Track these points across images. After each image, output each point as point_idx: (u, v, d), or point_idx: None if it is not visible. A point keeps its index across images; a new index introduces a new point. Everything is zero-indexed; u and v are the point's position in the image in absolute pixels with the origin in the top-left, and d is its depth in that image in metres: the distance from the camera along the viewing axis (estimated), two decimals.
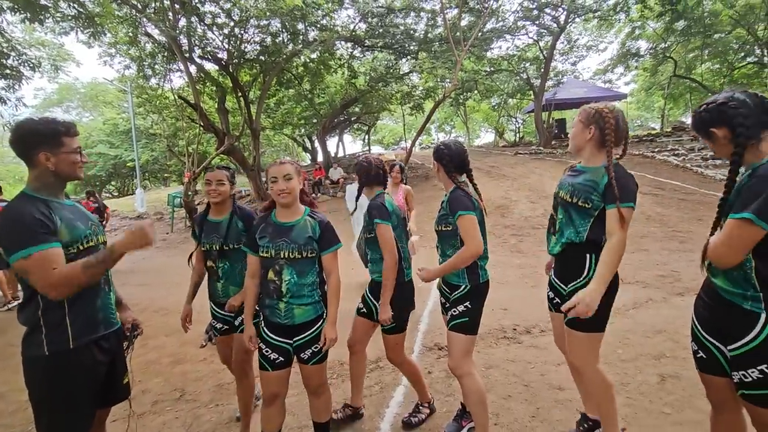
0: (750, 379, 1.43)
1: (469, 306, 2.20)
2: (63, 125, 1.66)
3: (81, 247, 1.65)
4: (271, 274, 2.04)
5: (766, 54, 18.87)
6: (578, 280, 2.02)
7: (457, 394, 2.90)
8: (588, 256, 1.99)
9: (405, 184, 4.88)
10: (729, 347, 1.48)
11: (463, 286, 2.21)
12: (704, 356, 1.60)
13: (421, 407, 2.63)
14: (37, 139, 1.60)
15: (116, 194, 32.13)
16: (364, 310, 2.59)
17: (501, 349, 3.52)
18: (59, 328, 1.58)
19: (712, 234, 1.55)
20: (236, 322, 2.48)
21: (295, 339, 2.07)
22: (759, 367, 1.41)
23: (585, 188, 1.98)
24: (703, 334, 1.58)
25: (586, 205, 1.97)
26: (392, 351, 2.55)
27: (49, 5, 8.92)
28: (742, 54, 21.17)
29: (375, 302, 2.47)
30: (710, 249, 1.47)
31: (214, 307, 2.55)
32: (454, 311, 2.22)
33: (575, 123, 2.08)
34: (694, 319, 1.64)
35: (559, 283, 2.15)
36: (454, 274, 2.23)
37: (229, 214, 2.48)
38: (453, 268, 2.19)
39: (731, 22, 18.59)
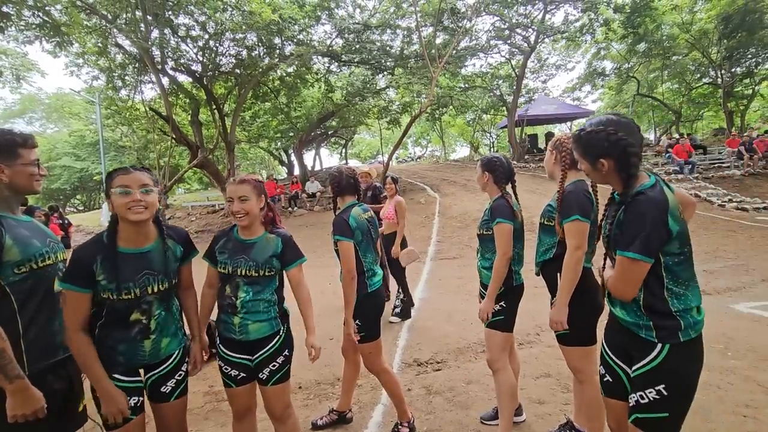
0: (647, 399, 1.43)
1: (504, 305, 2.36)
2: (20, 136, 1.60)
3: (35, 266, 1.55)
4: (228, 290, 2.00)
5: (719, 75, 20.12)
6: (555, 297, 2.15)
7: (437, 411, 2.84)
8: (558, 274, 2.11)
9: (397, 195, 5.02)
10: (633, 368, 1.50)
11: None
12: (610, 379, 1.61)
13: (400, 426, 2.56)
14: None
15: (82, 208, 30.82)
16: None
17: (480, 364, 3.49)
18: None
19: (604, 265, 1.61)
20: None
21: (254, 356, 2.00)
22: (657, 388, 1.42)
23: (549, 208, 2.21)
24: (611, 356, 1.60)
25: (550, 224, 2.18)
26: (367, 360, 2.56)
27: (12, 13, 8.59)
28: (699, 75, 22.59)
29: None
30: (609, 285, 1.51)
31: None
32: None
33: (546, 151, 2.32)
34: (604, 343, 1.66)
35: (551, 299, 2.25)
36: (489, 277, 2.36)
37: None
38: (500, 280, 2.30)
39: (688, 46, 19.84)
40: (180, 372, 1.83)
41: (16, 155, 1.57)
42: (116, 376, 1.67)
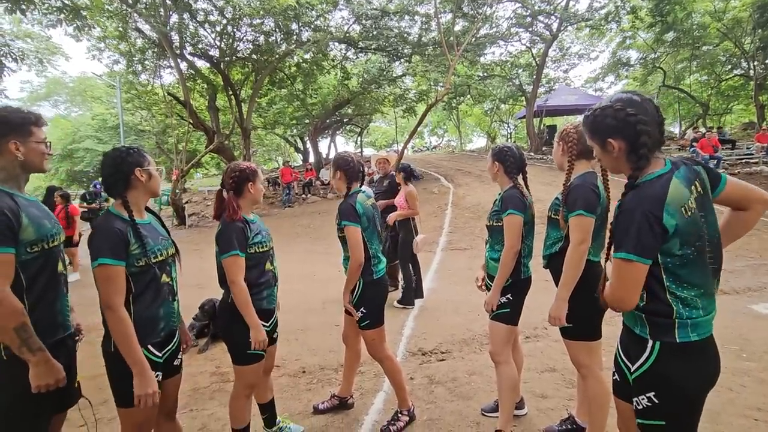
0: (641, 406, 1.35)
1: (511, 298, 2.31)
2: (33, 115, 1.64)
3: (46, 246, 1.58)
4: (268, 266, 2.22)
5: (752, 67, 19.24)
6: None
7: (438, 401, 2.84)
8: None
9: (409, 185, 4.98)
10: (632, 369, 1.40)
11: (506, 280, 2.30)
12: (618, 378, 1.51)
13: (400, 414, 2.57)
14: (6, 127, 1.55)
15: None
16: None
17: (484, 356, 3.47)
18: None
19: (606, 262, 1.47)
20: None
21: (268, 322, 2.24)
22: (647, 395, 1.33)
23: (556, 201, 2.16)
24: (620, 353, 1.50)
25: (557, 217, 2.12)
26: (371, 346, 2.56)
27: None
28: (729, 66, 21.64)
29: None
30: (609, 295, 1.35)
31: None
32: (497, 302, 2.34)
33: (554, 142, 2.25)
34: (618, 340, 1.56)
35: None
36: (497, 268, 2.31)
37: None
38: (506, 273, 2.26)
39: (719, 35, 18.98)
40: (182, 346, 1.97)
41: (29, 133, 1.59)
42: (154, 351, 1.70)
